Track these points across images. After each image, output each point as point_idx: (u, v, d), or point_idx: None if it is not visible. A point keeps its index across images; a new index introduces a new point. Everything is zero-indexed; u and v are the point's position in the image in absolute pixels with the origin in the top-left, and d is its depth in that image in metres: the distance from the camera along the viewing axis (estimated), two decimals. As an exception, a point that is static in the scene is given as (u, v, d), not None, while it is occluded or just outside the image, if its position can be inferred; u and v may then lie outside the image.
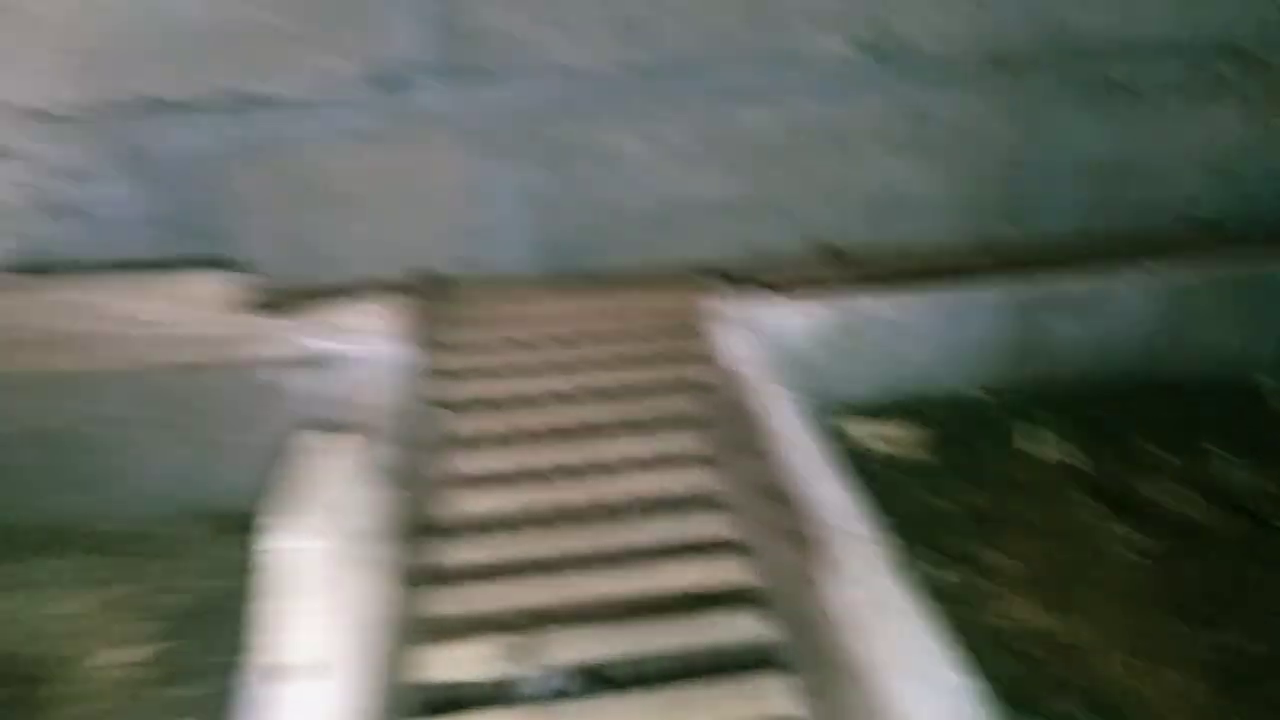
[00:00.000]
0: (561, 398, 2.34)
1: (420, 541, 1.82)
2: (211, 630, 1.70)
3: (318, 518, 1.31)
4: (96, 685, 1.60)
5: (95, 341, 1.81)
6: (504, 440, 2.18)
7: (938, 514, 1.73)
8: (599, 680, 1.67)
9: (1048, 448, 2.00)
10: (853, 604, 1.35)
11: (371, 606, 1.25)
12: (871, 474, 1.62)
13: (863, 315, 2.08)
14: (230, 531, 1.95)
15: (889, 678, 1.28)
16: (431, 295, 2.35)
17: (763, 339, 1.86)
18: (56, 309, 1.83)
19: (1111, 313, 2.51)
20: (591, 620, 1.83)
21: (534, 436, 2.22)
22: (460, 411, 2.24)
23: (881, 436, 2.00)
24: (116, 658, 1.64)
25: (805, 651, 1.58)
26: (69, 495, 2.01)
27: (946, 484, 1.86)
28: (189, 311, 1.82)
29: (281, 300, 1.95)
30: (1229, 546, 1.76)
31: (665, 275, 2.86)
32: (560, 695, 1.58)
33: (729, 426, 1.91)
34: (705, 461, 2.10)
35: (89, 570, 1.83)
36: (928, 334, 2.10)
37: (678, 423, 2.21)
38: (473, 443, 2.17)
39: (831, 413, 1.80)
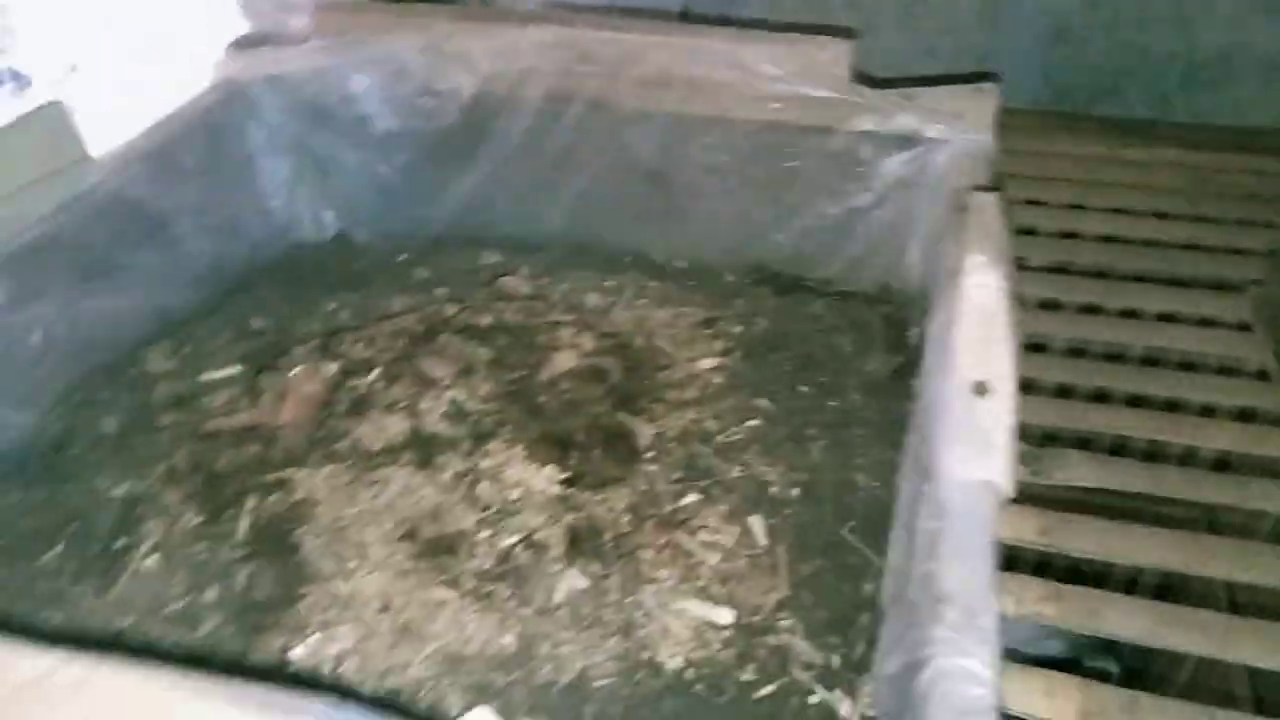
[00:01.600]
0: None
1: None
2: (771, 358, 1.92)
3: (998, 261, 1.39)
4: (690, 378, 1.87)
5: (713, 88, 1.94)
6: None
7: None
8: None
9: None
10: None
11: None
12: None
13: None
14: (782, 286, 2.12)
15: None
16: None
17: None
18: (689, 54, 1.97)
19: None
20: None
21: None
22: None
23: None
24: (700, 364, 1.90)
25: None
26: (648, 225, 2.26)
27: None
28: (805, 71, 1.89)
29: (877, 81, 1.97)
30: None
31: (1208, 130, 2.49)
32: None
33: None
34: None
35: (669, 293, 2.10)
36: None
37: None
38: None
39: None
